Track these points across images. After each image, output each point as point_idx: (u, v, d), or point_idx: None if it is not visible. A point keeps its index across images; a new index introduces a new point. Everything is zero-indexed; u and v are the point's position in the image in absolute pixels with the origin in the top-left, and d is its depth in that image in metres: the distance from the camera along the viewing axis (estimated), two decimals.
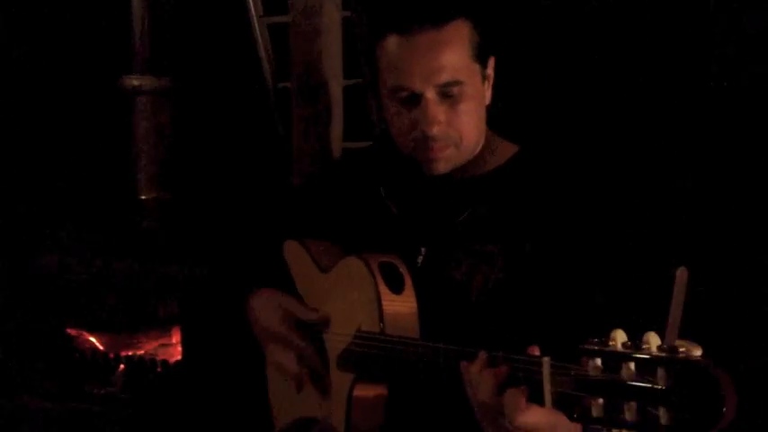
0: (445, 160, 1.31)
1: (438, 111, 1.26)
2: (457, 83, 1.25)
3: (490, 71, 1.32)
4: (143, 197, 2.89)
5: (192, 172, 2.95)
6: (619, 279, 1.24)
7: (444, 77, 1.25)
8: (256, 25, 2.80)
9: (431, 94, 1.25)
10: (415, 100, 1.27)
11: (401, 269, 1.28)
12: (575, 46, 2.19)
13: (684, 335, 1.02)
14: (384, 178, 1.44)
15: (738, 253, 1.95)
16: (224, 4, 2.91)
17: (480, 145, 1.34)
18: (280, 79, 2.81)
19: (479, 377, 1.04)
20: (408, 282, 1.27)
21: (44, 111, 3.05)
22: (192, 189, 2.94)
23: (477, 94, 1.29)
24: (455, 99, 1.26)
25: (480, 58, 1.29)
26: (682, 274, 1.02)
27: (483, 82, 1.31)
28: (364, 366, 1.26)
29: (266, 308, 1.44)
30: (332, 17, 2.44)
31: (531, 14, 2.18)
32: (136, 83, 2.83)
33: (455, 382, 1.09)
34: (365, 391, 1.28)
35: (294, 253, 1.50)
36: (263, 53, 2.82)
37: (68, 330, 2.79)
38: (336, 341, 1.35)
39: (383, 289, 1.25)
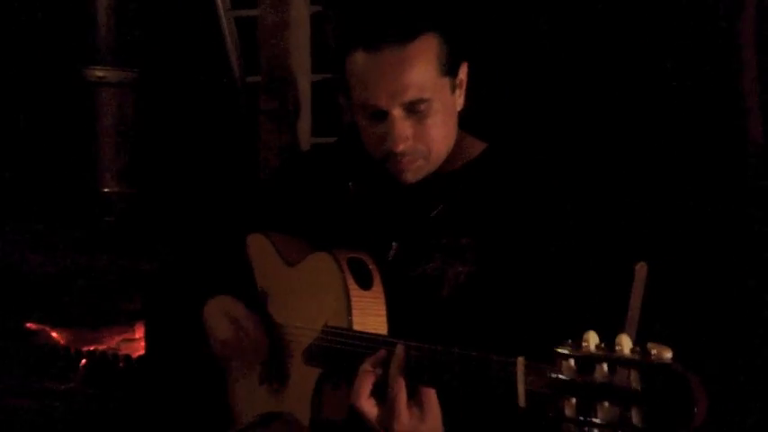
0: (414, 172, 1.32)
1: (404, 127, 1.26)
2: (423, 101, 1.25)
3: (462, 77, 1.32)
4: (106, 191, 2.85)
5: (157, 166, 2.92)
6: (584, 274, 1.26)
7: (410, 95, 1.24)
8: (224, 18, 2.78)
9: (397, 112, 1.25)
10: (382, 116, 1.27)
11: (370, 265, 1.29)
12: (542, 45, 2.21)
13: (647, 329, 1.04)
14: (353, 173, 1.44)
15: (700, 250, 1.98)
16: None
17: (445, 156, 1.34)
18: (248, 73, 2.79)
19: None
20: (377, 278, 1.28)
21: (4, 102, 2.99)
22: (157, 183, 2.91)
23: (446, 106, 1.29)
24: (422, 114, 1.26)
25: (450, 69, 1.28)
26: (641, 268, 1.04)
27: (453, 92, 1.31)
28: (331, 361, 1.26)
29: (217, 318, 1.44)
30: (300, 11, 2.43)
31: (498, 15, 2.19)
32: (100, 74, 2.79)
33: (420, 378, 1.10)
34: (332, 386, 1.28)
35: (259, 246, 1.49)
36: (230, 47, 2.80)
37: (29, 325, 2.74)
38: (302, 335, 1.35)
39: (352, 285, 1.25)
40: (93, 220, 2.82)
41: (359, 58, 1.25)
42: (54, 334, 2.74)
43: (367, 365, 1.13)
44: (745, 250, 1.96)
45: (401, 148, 1.27)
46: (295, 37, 2.42)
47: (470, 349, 1.03)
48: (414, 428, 1.09)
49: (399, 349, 1.10)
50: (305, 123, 2.47)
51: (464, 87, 1.33)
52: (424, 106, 1.25)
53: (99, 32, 2.78)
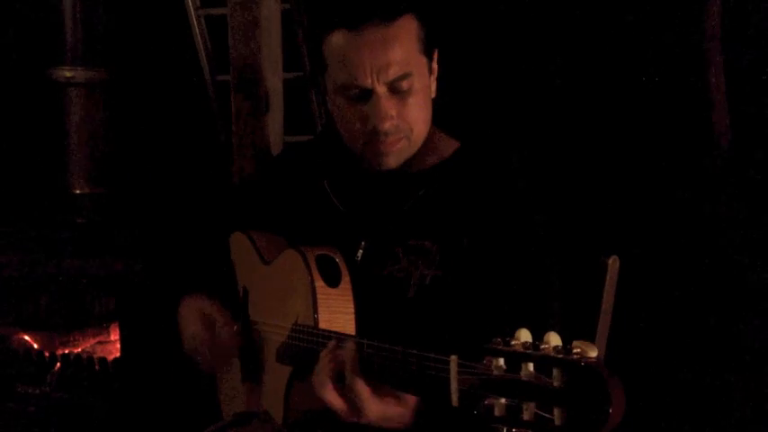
0: (396, 154, 1.31)
1: (389, 105, 1.26)
2: (406, 76, 1.26)
3: (435, 64, 1.33)
4: (77, 192, 2.82)
5: (128, 166, 2.90)
6: (553, 274, 1.27)
7: (394, 72, 1.25)
8: (194, 17, 2.76)
9: (381, 90, 1.26)
10: (366, 96, 1.27)
11: (338, 262, 1.29)
12: (514, 42, 2.22)
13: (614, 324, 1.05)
14: (328, 172, 1.44)
15: (667, 241, 2.01)
16: None
17: (426, 137, 1.35)
18: (218, 72, 2.77)
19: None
20: (345, 275, 1.27)
21: None
22: (128, 184, 2.89)
23: (425, 86, 1.30)
24: (405, 93, 1.27)
25: (427, 51, 1.30)
26: (614, 262, 1.05)
27: (430, 74, 1.32)
28: (300, 360, 1.26)
29: (190, 316, 1.44)
30: (271, 9, 2.41)
31: (471, 9, 2.20)
32: (68, 74, 2.76)
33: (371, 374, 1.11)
34: (303, 384, 1.28)
35: (239, 245, 1.49)
36: (200, 45, 2.78)
37: (0, 329, 2.71)
38: (275, 334, 1.35)
39: (319, 282, 1.25)
40: (64, 221, 2.80)
41: (340, 39, 1.26)
42: (27, 337, 2.71)
43: (323, 357, 1.14)
44: (711, 240, 1.99)
45: (386, 125, 1.27)
46: (265, 35, 2.40)
47: (424, 349, 1.02)
48: (383, 413, 1.10)
49: (350, 345, 1.11)
50: (277, 122, 2.45)
51: (436, 75, 1.34)
52: (407, 83, 1.26)
53: (66, 32, 2.75)
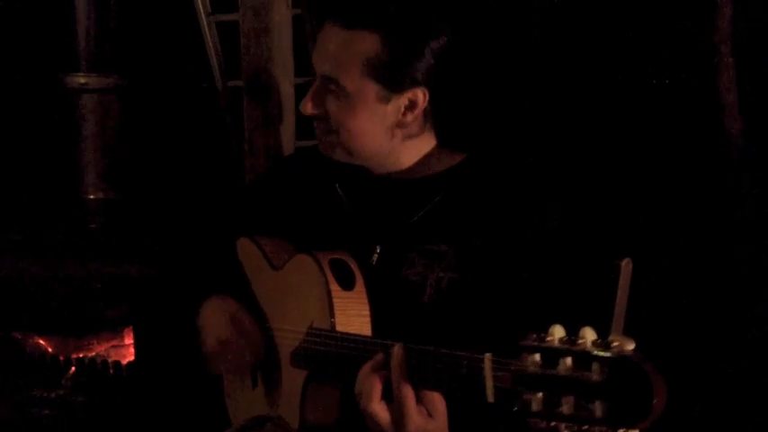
0: (326, 146, 1.37)
1: (317, 94, 1.34)
2: (332, 80, 1.31)
3: (414, 99, 1.32)
4: (90, 197, 2.84)
5: (141, 171, 2.92)
6: (567, 278, 1.27)
7: (324, 69, 1.32)
8: (204, 23, 2.78)
9: (318, 80, 1.34)
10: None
11: (352, 266, 1.30)
12: (522, 51, 2.22)
13: (627, 327, 1.05)
14: (339, 176, 1.45)
15: (681, 248, 2.01)
16: (172, 1, 2.88)
17: (383, 156, 1.37)
18: (229, 77, 2.79)
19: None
20: (359, 278, 1.29)
21: None
22: (141, 189, 2.90)
23: (366, 108, 1.31)
24: (335, 95, 1.32)
25: (385, 79, 1.30)
26: (626, 265, 1.06)
27: (383, 102, 1.31)
28: (317, 363, 1.27)
29: (216, 317, 1.45)
30: (282, 15, 2.43)
31: (476, 26, 2.20)
32: (82, 81, 2.78)
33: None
34: (318, 388, 1.29)
35: (247, 250, 1.50)
36: (211, 51, 2.80)
37: (15, 333, 2.73)
38: (289, 338, 1.36)
39: (334, 286, 1.26)
40: (78, 226, 2.82)
41: (323, 28, 1.36)
42: (41, 342, 2.73)
43: (368, 369, 1.13)
44: (725, 244, 1.99)
45: (306, 108, 1.35)
46: (277, 40, 2.42)
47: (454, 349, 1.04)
48: (424, 426, 1.10)
49: (398, 350, 1.10)
50: (288, 127, 2.46)
51: (417, 112, 1.33)
52: (335, 88, 1.31)
53: (79, 39, 2.77)
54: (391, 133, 1.34)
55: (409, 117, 1.34)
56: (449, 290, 1.27)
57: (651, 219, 2.04)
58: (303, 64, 2.54)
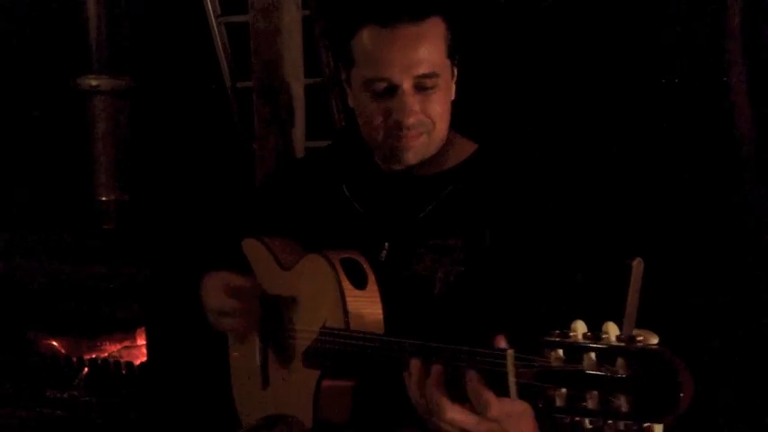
0: (415, 150, 1.35)
1: (414, 101, 1.32)
2: (434, 75, 1.31)
3: (455, 69, 1.38)
4: (102, 198, 2.85)
5: (152, 173, 2.93)
6: (576, 271, 1.27)
7: (423, 69, 1.30)
8: (214, 25, 2.79)
9: (407, 85, 1.31)
10: (391, 91, 1.31)
11: (363, 265, 1.30)
12: (533, 46, 2.23)
13: (640, 324, 1.05)
14: (346, 176, 1.46)
15: (692, 245, 2.00)
16: (182, 2, 2.89)
17: (445, 138, 1.38)
18: (238, 78, 2.80)
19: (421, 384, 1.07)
20: (371, 277, 1.29)
21: None
22: (152, 190, 2.92)
23: (448, 87, 1.36)
24: (429, 90, 1.32)
25: (451, 54, 1.35)
26: (638, 264, 1.06)
27: (452, 77, 1.37)
28: (331, 362, 1.28)
29: (214, 286, 1.46)
30: (292, 16, 2.43)
31: (490, 14, 2.21)
32: (93, 82, 2.80)
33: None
34: (332, 387, 1.30)
35: (254, 251, 1.51)
36: (221, 53, 2.81)
37: (29, 334, 2.75)
38: (301, 338, 1.36)
39: (346, 285, 1.27)
40: (91, 227, 2.83)
41: (370, 35, 1.31)
42: (54, 342, 2.75)
43: (416, 382, 1.09)
44: (737, 242, 1.98)
45: (411, 120, 1.32)
46: (287, 41, 2.42)
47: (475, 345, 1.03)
48: (508, 412, 1.04)
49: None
50: (298, 127, 2.47)
51: (455, 79, 1.38)
52: (432, 81, 1.31)
53: (91, 42, 2.79)
54: (450, 112, 1.37)
55: (454, 88, 1.38)
56: (458, 284, 1.28)
57: (662, 218, 2.03)
58: (313, 65, 2.55)
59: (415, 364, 1.09)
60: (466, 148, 1.41)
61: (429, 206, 1.36)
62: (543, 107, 2.20)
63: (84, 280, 2.62)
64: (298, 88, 2.46)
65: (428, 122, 1.33)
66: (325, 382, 1.30)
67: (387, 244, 1.36)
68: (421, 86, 1.31)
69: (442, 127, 1.36)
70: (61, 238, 2.74)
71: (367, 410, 1.31)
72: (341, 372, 1.28)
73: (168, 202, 2.88)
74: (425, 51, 1.30)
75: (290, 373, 1.40)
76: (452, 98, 1.38)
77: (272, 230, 1.52)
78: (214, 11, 2.79)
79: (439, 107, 1.33)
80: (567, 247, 1.30)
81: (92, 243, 2.74)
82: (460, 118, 1.41)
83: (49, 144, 3.01)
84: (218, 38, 2.80)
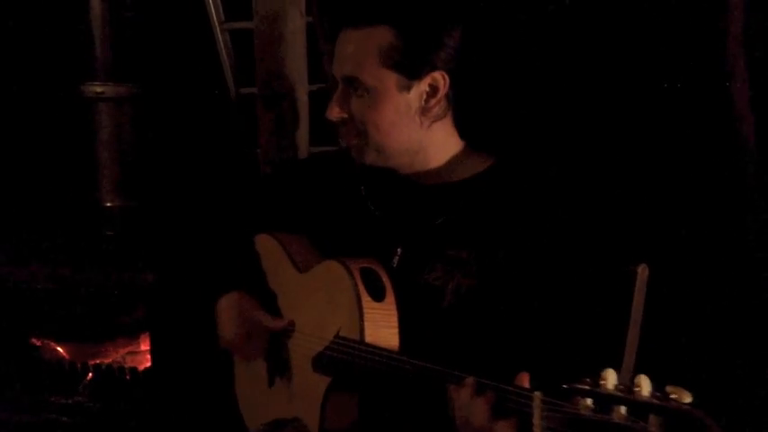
0: (356, 150, 1.38)
1: (340, 97, 1.36)
2: (353, 80, 1.34)
3: (434, 84, 1.35)
4: (107, 204, 2.86)
5: (156, 179, 2.94)
6: (586, 286, 1.27)
7: (345, 71, 1.35)
8: (218, 31, 2.80)
9: (339, 85, 1.37)
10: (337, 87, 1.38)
11: (382, 276, 1.30)
12: (536, 53, 2.23)
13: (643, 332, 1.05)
14: (365, 178, 1.46)
15: (696, 253, 2.00)
16: (186, 10, 2.90)
17: (413, 152, 1.38)
18: (242, 85, 2.81)
19: (471, 402, 1.06)
20: (390, 290, 1.29)
21: (4, 119, 3.01)
22: (157, 196, 2.92)
23: (391, 100, 1.34)
24: (358, 95, 1.34)
25: (403, 67, 1.33)
26: (643, 271, 1.06)
27: (403, 91, 1.34)
28: (343, 371, 1.28)
29: (230, 313, 1.47)
30: (296, 22, 2.45)
31: (504, 27, 2.21)
32: (98, 89, 2.80)
33: (436, 398, 1.12)
34: (341, 395, 1.30)
35: (267, 247, 1.51)
36: (224, 59, 2.82)
37: (33, 340, 2.75)
38: (311, 342, 1.36)
39: (365, 296, 1.27)
40: (95, 233, 2.84)
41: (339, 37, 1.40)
42: (59, 348, 2.75)
43: (467, 397, 1.08)
44: (741, 249, 1.98)
45: (332, 116, 1.37)
46: (291, 48, 2.43)
47: (483, 371, 1.04)
48: None
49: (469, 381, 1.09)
50: (303, 134, 2.48)
51: (440, 96, 1.35)
52: (359, 86, 1.34)
53: (96, 49, 2.80)
54: (418, 121, 1.36)
55: (432, 102, 1.36)
56: (468, 296, 1.28)
57: (666, 224, 2.03)
58: (317, 71, 2.56)
59: (469, 382, 1.08)
60: (481, 162, 1.41)
61: (443, 216, 1.36)
62: (547, 112, 2.20)
63: (88, 286, 2.62)
64: (302, 94, 2.47)
65: (358, 128, 1.35)
66: (334, 391, 1.30)
67: (399, 250, 1.36)
68: (351, 88, 1.35)
69: (384, 140, 1.35)
70: (65, 243, 2.74)
71: (375, 416, 1.31)
72: (351, 382, 1.28)
73: (172, 208, 2.89)
74: (351, 55, 1.34)
75: (297, 376, 1.41)
76: (413, 111, 1.35)
77: (283, 226, 1.53)
78: (218, 18, 2.81)
79: (370, 115, 1.33)
80: (581, 267, 1.30)
81: (95, 249, 2.74)
82: (473, 116, 1.42)
83: (53, 150, 3.01)
84: (222, 45, 2.81)
